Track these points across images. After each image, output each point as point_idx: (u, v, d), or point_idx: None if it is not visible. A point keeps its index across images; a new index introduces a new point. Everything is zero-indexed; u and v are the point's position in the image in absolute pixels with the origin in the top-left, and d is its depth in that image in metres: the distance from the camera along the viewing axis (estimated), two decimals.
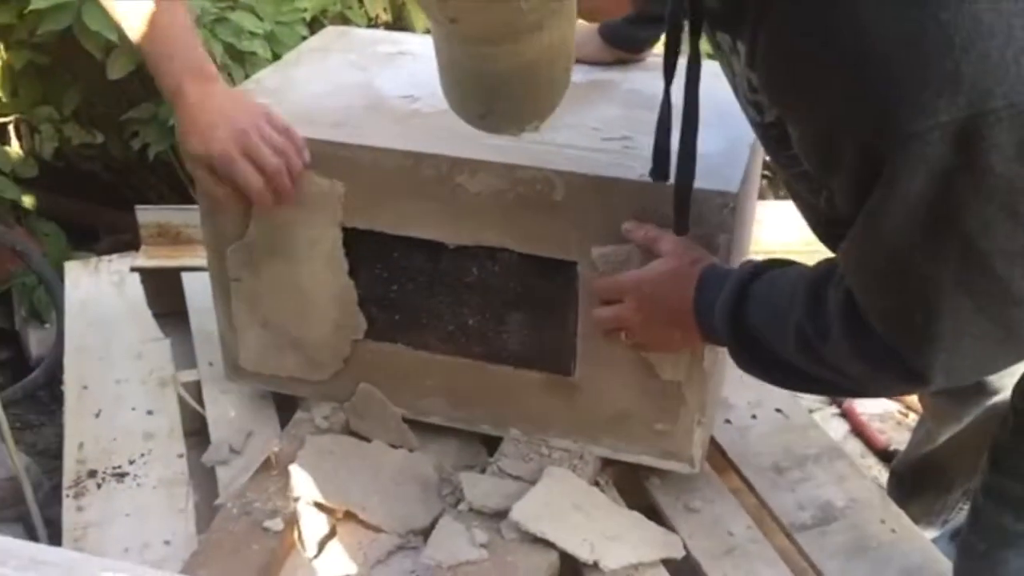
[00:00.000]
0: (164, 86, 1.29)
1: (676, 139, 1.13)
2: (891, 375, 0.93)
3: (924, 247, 0.83)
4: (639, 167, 1.22)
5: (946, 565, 1.30)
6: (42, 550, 0.67)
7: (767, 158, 1.19)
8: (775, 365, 1.08)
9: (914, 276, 0.85)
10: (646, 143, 1.28)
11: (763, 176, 2.95)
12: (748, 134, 1.32)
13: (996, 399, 1.46)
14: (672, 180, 1.14)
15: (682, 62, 1.09)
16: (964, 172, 0.77)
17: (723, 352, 1.35)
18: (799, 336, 1.01)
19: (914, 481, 1.65)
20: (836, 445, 1.51)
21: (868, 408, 2.30)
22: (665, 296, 1.18)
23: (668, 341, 1.25)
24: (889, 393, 1.09)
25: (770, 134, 1.03)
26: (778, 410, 1.57)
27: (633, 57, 1.53)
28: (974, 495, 1.23)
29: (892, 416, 2.26)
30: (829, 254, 1.07)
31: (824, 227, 1.11)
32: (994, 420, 1.48)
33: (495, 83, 0.95)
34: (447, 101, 1.04)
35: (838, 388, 1.05)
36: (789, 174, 1.07)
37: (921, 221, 0.81)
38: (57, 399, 2.16)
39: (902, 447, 1.82)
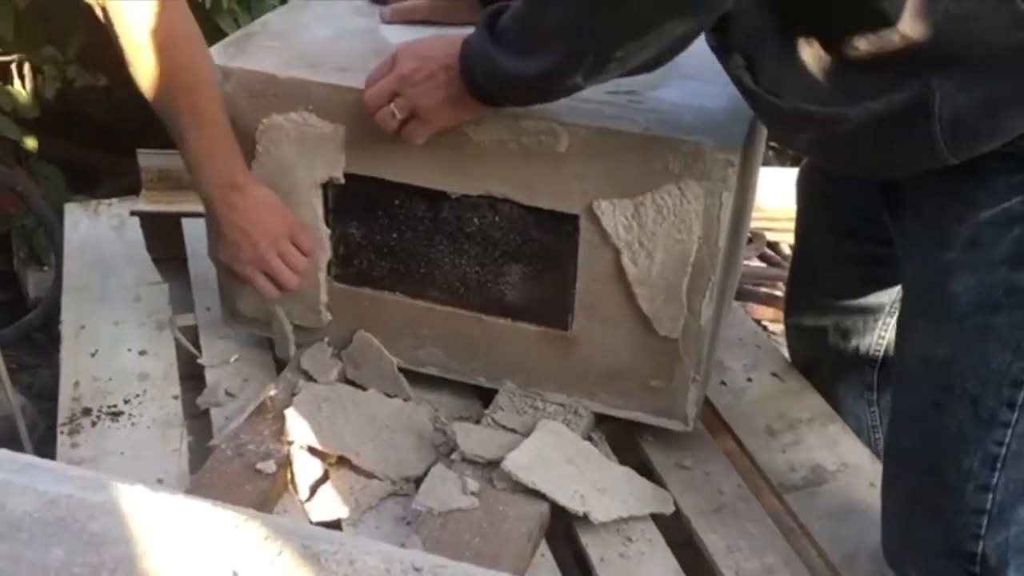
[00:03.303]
0: (196, 191, 1.35)
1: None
2: None
3: None
4: (643, 120, 1.22)
5: None
6: (37, 459, 0.68)
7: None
8: (517, 47, 1.08)
9: None
10: (651, 97, 1.28)
11: (769, 146, 2.95)
12: None
13: None
14: None
15: None
16: None
17: (720, 310, 1.35)
18: None
19: None
20: (830, 410, 1.51)
21: None
22: (436, 46, 1.20)
23: (432, 96, 1.20)
24: None
25: None
26: (774, 374, 1.57)
27: None
28: None
29: None
30: None
31: None
32: None
33: None
34: None
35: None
36: None
37: None
38: (54, 341, 2.17)
39: None
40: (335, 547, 0.58)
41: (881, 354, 1.48)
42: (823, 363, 1.53)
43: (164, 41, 1.24)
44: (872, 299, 1.45)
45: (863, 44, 0.98)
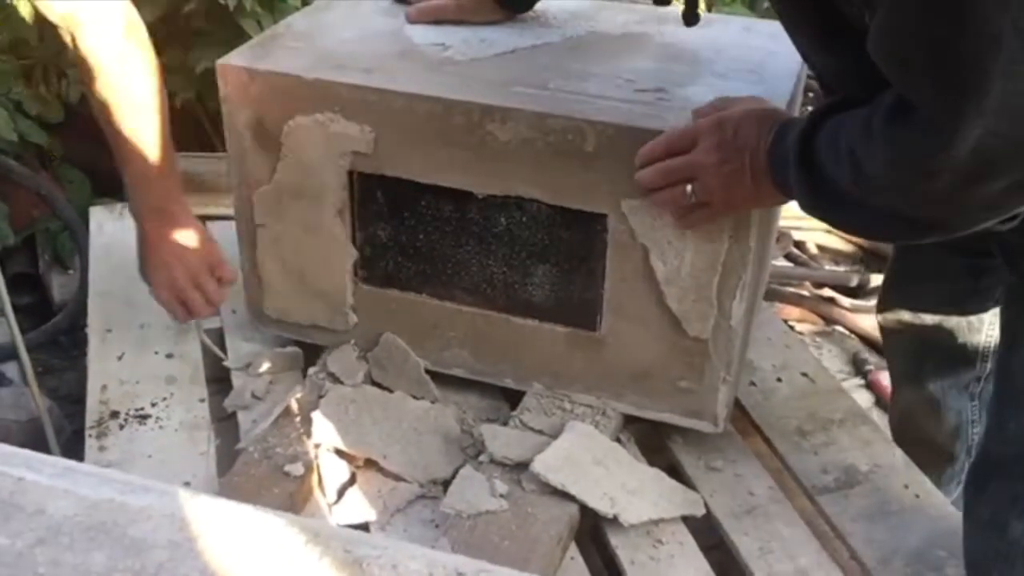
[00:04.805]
0: (131, 212, 1.40)
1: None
2: (921, 163, 0.90)
3: None
4: (673, 119, 1.20)
5: None
6: (77, 463, 0.68)
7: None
8: (835, 199, 1.04)
9: (971, 28, 0.81)
10: (681, 95, 1.27)
11: None
12: (785, 91, 1.30)
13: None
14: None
15: None
16: None
17: (750, 310, 1.34)
18: (851, 157, 0.98)
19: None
20: (861, 410, 1.50)
21: None
22: (747, 135, 1.11)
23: (738, 190, 1.14)
24: (923, 201, 0.97)
25: None
26: (804, 374, 1.56)
27: (521, 15, 1.51)
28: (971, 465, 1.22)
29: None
30: None
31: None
32: None
33: None
34: None
35: (885, 221, 1.01)
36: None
37: None
38: (79, 345, 2.18)
39: None
40: (378, 551, 0.57)
41: (991, 348, 1.44)
42: (927, 359, 1.50)
43: (112, 65, 1.27)
44: (977, 304, 1.42)
45: None
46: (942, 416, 1.49)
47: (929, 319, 1.47)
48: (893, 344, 1.58)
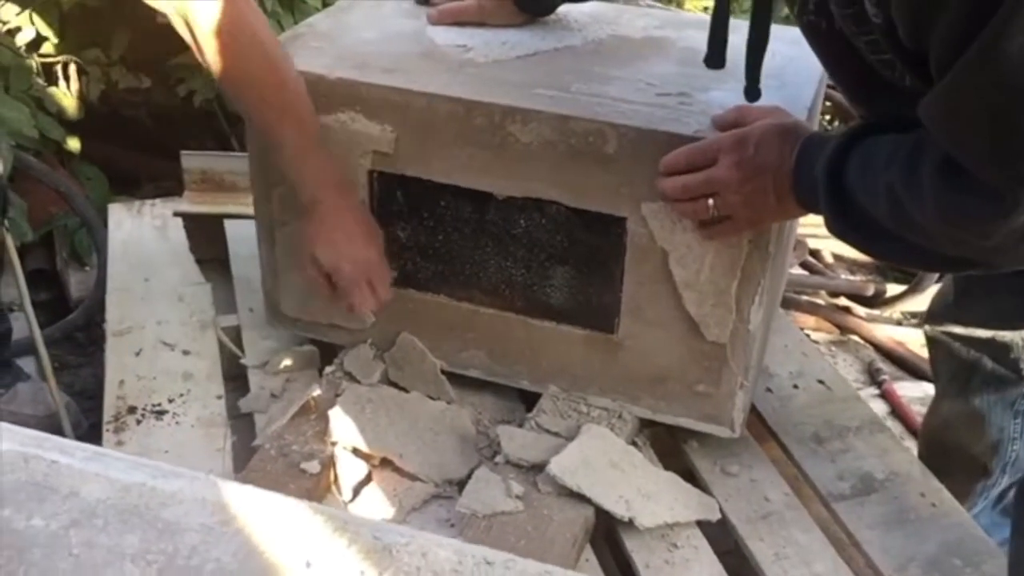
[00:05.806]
0: (300, 189, 1.33)
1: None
2: (976, 226, 0.91)
3: None
4: (694, 122, 1.21)
5: (986, 541, 1.29)
6: (107, 449, 0.69)
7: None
8: (868, 227, 1.04)
9: None
10: (702, 99, 1.27)
11: None
12: (806, 97, 1.30)
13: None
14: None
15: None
16: None
17: (768, 316, 1.34)
18: (890, 196, 0.98)
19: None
20: (878, 418, 1.49)
21: (908, 391, 2.28)
22: (768, 152, 1.12)
23: (761, 207, 1.15)
24: (971, 251, 0.99)
25: (846, 13, 1.00)
26: (820, 381, 1.56)
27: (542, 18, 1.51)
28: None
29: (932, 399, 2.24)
30: None
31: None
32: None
33: None
34: None
35: (923, 254, 1.02)
36: (872, 61, 1.03)
37: None
38: (95, 341, 2.18)
39: None
40: (406, 539, 0.57)
41: None
42: (976, 373, 1.48)
43: (249, 44, 1.24)
44: None
45: None
46: (984, 431, 1.47)
47: (982, 334, 1.45)
48: (941, 356, 1.56)
